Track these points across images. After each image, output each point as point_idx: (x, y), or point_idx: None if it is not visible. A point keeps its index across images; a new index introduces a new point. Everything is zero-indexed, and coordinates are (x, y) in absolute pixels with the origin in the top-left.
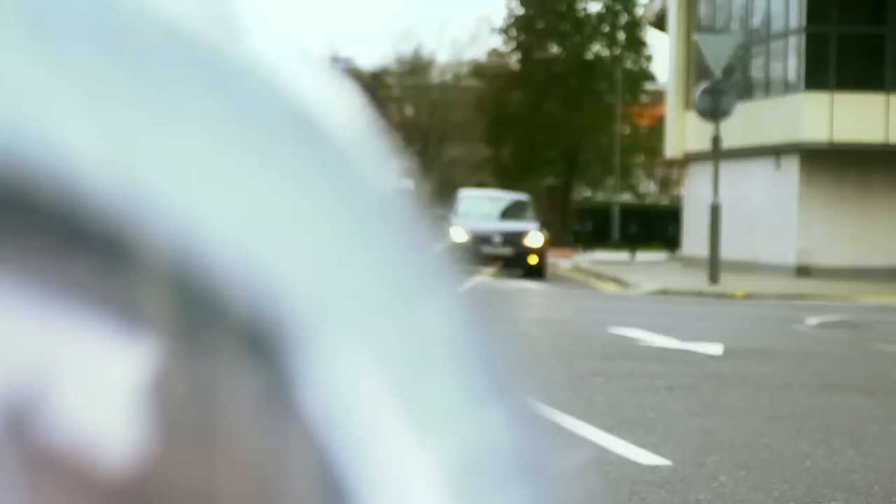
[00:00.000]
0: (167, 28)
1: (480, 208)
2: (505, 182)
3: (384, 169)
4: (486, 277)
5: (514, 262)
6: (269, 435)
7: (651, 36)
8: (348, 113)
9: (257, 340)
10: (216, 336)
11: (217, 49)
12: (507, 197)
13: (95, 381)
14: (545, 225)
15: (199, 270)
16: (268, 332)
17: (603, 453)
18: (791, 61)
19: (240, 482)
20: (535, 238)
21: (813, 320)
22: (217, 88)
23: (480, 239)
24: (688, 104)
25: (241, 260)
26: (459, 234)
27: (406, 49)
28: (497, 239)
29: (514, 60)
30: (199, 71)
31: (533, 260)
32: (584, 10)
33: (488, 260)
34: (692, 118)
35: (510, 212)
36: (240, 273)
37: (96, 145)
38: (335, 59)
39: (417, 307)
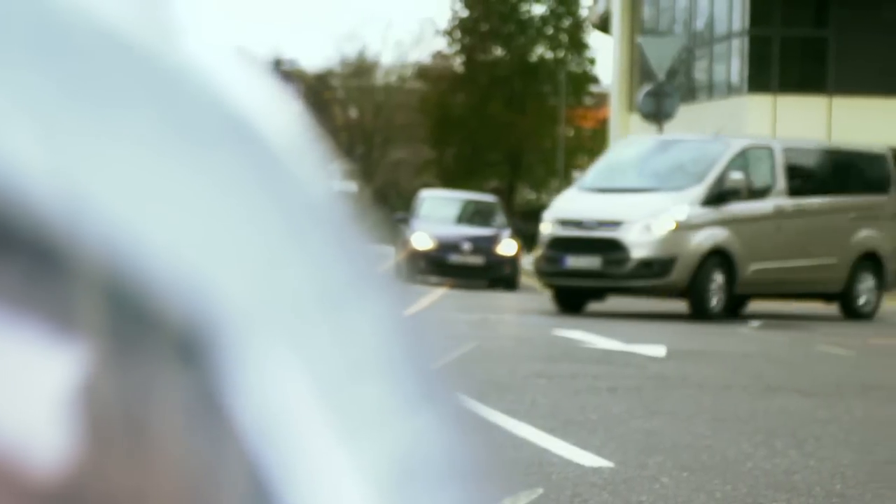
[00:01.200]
0: (100, 30)
1: (444, 210)
2: (448, 184)
3: (320, 174)
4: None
5: (485, 272)
6: (199, 441)
7: (595, 38)
8: (285, 117)
9: (188, 346)
10: (146, 342)
11: (152, 52)
12: (473, 198)
13: (24, 385)
14: (516, 230)
15: (130, 276)
16: (198, 338)
17: (545, 455)
18: (734, 64)
19: (170, 488)
20: (508, 245)
21: (755, 322)
22: (151, 92)
23: (447, 246)
24: (631, 106)
25: (172, 266)
26: (423, 240)
27: (350, 51)
28: (466, 246)
29: (458, 63)
30: (134, 75)
31: (505, 270)
32: (528, 12)
33: (455, 270)
34: (636, 120)
35: (478, 215)
36: (171, 279)
37: (27, 149)
38: (279, 61)
39: (349, 312)
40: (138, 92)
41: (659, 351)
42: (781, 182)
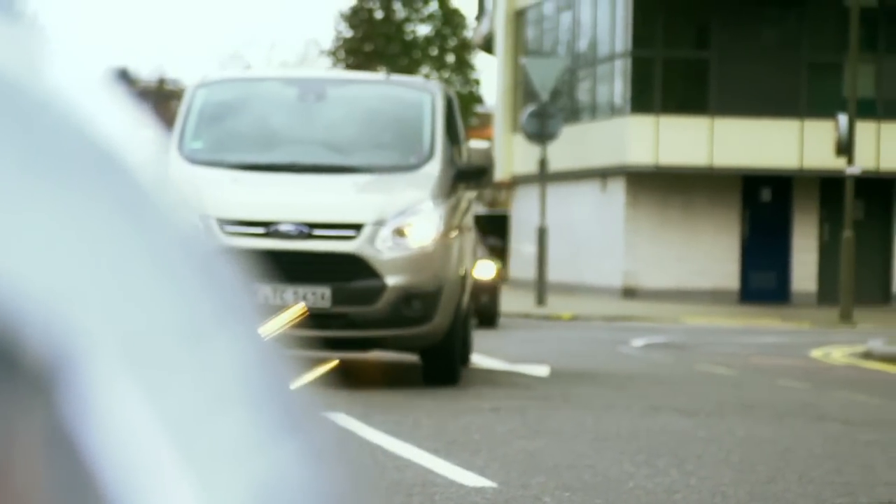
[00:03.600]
0: None
1: None
2: None
3: (186, 206)
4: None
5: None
6: (45, 471)
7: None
8: (151, 149)
9: (39, 378)
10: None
11: (16, 85)
12: None
13: None
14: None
15: None
16: (50, 370)
17: (429, 475)
18: (617, 85)
19: None
20: (485, 268)
21: (638, 342)
22: (14, 126)
23: None
24: (515, 127)
25: (26, 300)
26: None
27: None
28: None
29: None
30: None
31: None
32: (413, 32)
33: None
34: (519, 141)
35: None
36: (24, 311)
37: None
38: (162, 80)
39: (212, 345)
40: (2, 125)
41: (542, 371)
42: None
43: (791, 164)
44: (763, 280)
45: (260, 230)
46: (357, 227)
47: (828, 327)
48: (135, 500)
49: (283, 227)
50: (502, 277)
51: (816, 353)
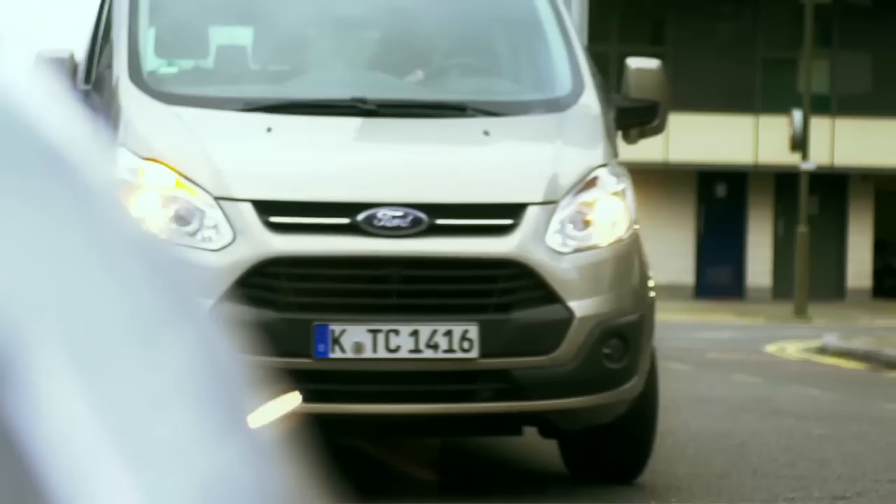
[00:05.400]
0: None
1: None
2: None
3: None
4: None
5: None
6: None
7: None
8: (97, 147)
9: None
10: None
11: None
12: None
13: None
14: None
15: None
16: None
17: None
18: None
19: None
20: None
21: None
22: None
23: None
24: None
25: None
26: None
27: None
28: None
29: None
30: None
31: None
32: None
33: None
34: None
35: None
36: None
37: None
38: None
39: (157, 344)
40: None
41: None
42: None
43: (746, 160)
44: (718, 275)
45: (339, 220)
46: (514, 212)
47: (782, 322)
48: (78, 500)
49: (381, 216)
50: None
51: (771, 348)
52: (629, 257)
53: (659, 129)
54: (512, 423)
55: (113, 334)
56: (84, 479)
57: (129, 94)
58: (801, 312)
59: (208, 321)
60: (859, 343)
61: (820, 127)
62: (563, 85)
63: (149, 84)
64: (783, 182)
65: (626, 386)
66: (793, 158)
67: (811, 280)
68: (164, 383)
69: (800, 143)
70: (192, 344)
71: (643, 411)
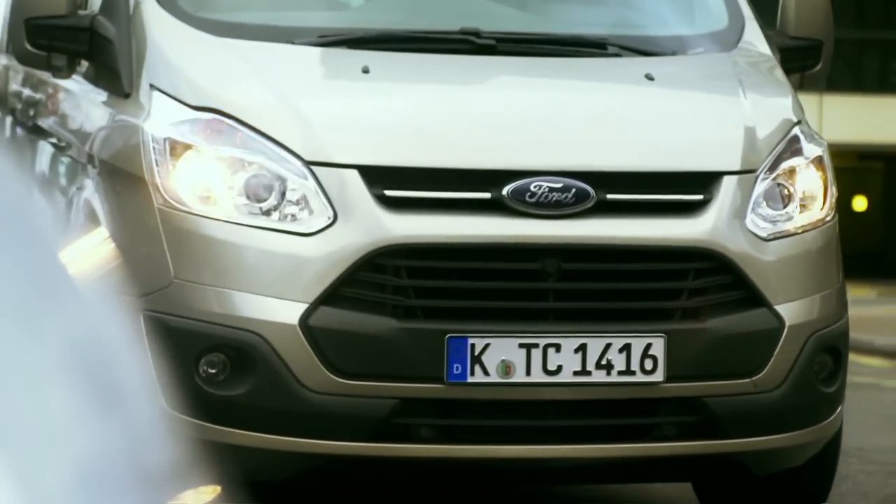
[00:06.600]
0: None
1: None
2: None
3: (6, 181)
4: None
5: None
6: None
7: None
8: None
9: None
10: None
11: None
12: None
13: None
14: None
15: None
16: None
17: None
18: None
19: None
20: None
21: None
22: None
23: None
24: None
25: None
26: None
27: None
28: None
29: None
30: None
31: None
32: None
33: None
34: None
35: None
36: None
37: None
38: None
39: (34, 323)
40: None
41: None
42: None
43: None
44: None
45: (479, 194)
46: (707, 184)
47: None
48: None
49: (535, 188)
50: None
51: None
52: (832, 244)
53: (821, 76)
54: (694, 468)
55: None
56: None
57: (158, 22)
58: None
59: (87, 300)
60: None
61: (808, 103)
62: (718, 17)
63: (184, 8)
64: None
65: (833, 416)
66: None
67: None
68: (41, 361)
69: None
70: (71, 322)
71: (824, 450)
